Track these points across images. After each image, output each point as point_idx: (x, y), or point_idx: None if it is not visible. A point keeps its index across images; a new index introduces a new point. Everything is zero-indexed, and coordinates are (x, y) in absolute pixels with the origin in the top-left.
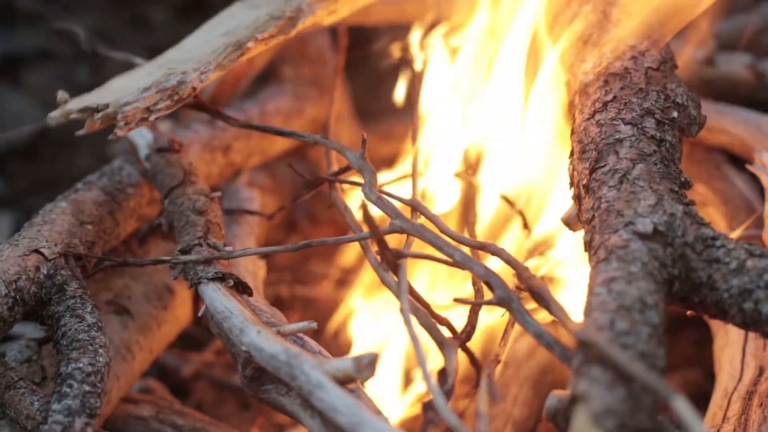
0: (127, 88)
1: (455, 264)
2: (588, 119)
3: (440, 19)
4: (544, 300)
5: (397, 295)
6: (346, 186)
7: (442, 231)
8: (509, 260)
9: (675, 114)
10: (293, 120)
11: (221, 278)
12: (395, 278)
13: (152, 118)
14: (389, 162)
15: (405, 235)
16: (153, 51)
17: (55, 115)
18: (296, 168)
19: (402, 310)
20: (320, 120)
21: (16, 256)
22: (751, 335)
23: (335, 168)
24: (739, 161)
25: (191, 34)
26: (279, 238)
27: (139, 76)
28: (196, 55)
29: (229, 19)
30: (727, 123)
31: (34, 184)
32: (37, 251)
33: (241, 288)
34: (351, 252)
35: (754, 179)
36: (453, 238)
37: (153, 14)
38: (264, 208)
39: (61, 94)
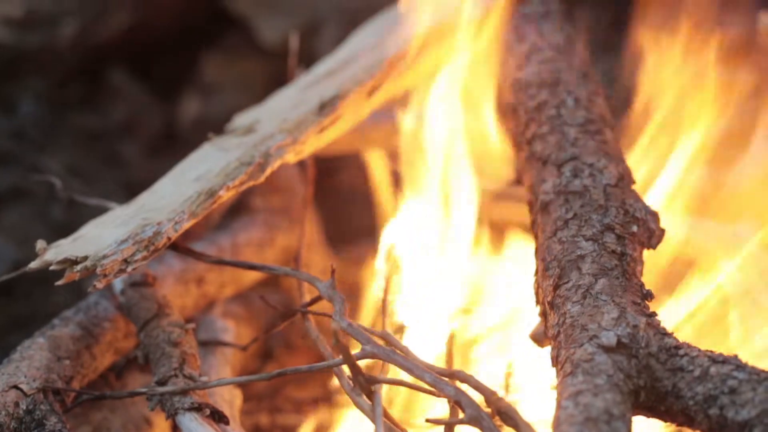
0: (104, 239)
1: (425, 389)
2: (550, 237)
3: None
4: (512, 420)
5: (372, 420)
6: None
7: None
8: (477, 386)
9: (635, 228)
10: (265, 250)
11: (197, 408)
12: (369, 402)
13: (129, 269)
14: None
15: (380, 363)
16: (126, 187)
17: (34, 266)
18: (268, 300)
19: None
20: (292, 248)
21: None
22: None
23: (307, 298)
24: None
25: (164, 176)
26: (255, 367)
27: (115, 225)
28: (170, 202)
29: (200, 162)
30: (690, 235)
31: (11, 321)
32: (16, 387)
33: (217, 417)
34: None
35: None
36: (422, 366)
37: (125, 151)
38: (239, 338)
39: (40, 244)
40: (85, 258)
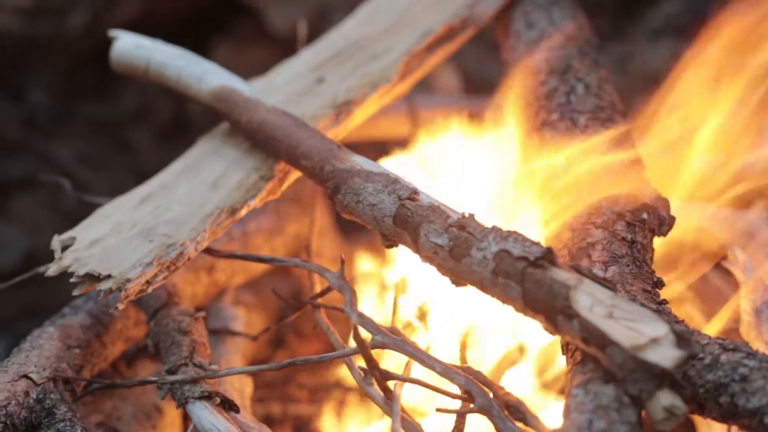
0: (125, 255)
1: (438, 388)
2: (561, 225)
3: (413, 134)
4: (520, 413)
5: (386, 412)
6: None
7: None
8: (485, 381)
9: (645, 216)
10: (275, 237)
11: (208, 397)
12: (380, 393)
13: (150, 289)
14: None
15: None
16: (137, 174)
17: (52, 273)
18: (279, 288)
19: (393, 431)
20: (302, 235)
21: (6, 382)
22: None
23: (318, 288)
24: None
25: (175, 163)
26: (266, 355)
27: (133, 233)
28: (188, 212)
29: (214, 157)
30: (701, 221)
31: (23, 309)
32: (26, 376)
33: (227, 406)
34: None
35: (730, 274)
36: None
37: (135, 138)
38: (249, 326)
39: (55, 242)
40: (109, 276)
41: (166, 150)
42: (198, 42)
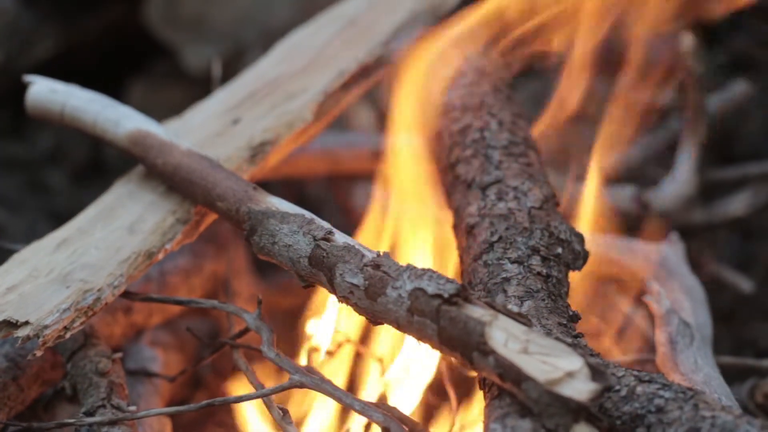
0: (42, 301)
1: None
2: (476, 260)
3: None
4: None
5: None
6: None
7: None
8: (401, 416)
9: (559, 250)
10: (193, 277)
11: None
12: None
13: (68, 335)
14: (289, 315)
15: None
16: (53, 216)
17: None
18: (197, 328)
19: None
20: (219, 274)
21: None
22: None
23: (236, 328)
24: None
25: (90, 207)
26: (185, 395)
27: (50, 279)
28: (105, 257)
29: (130, 202)
30: (615, 254)
31: None
32: None
33: None
34: None
35: (645, 306)
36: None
37: (52, 180)
38: (167, 366)
39: None
40: (26, 323)
41: (81, 192)
42: (114, 81)
